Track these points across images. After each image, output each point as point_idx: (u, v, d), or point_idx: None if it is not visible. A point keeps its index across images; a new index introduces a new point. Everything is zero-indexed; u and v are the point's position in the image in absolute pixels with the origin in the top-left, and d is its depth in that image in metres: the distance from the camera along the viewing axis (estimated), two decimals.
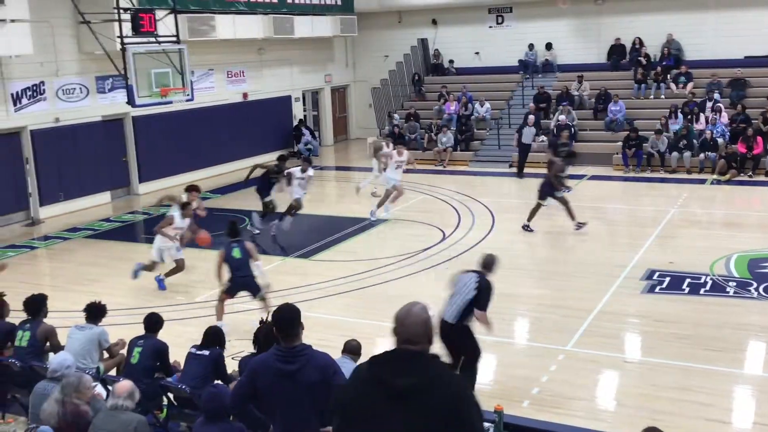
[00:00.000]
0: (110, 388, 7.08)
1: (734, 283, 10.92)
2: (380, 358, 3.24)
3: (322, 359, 4.40)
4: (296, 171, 14.44)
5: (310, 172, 14.60)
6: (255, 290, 9.79)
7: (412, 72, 25.86)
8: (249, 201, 16.21)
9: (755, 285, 10.78)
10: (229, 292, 9.79)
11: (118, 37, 14.37)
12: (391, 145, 16.90)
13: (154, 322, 7.26)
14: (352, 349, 6.74)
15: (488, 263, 7.85)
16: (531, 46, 24.63)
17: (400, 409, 3.09)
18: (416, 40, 26.18)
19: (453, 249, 13.23)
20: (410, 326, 3.25)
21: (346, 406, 3.31)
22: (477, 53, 25.65)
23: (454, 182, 19.51)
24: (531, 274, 12.09)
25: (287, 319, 4.36)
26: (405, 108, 24.66)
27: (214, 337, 6.87)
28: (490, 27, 25.61)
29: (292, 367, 4.30)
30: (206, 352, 6.71)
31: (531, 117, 20.30)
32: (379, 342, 9.53)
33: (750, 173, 18.36)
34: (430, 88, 25.52)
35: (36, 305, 7.50)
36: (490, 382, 8.43)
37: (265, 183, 14.86)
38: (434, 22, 26.18)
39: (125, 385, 5.45)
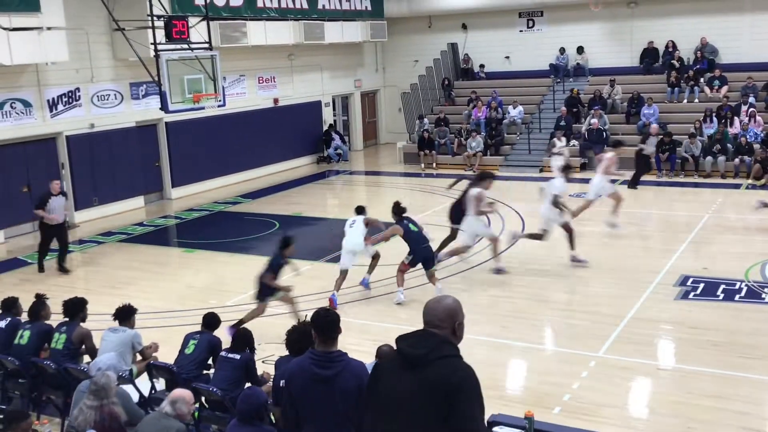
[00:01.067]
0: (154, 384, 7.20)
1: None
2: (404, 335, 3.71)
3: (358, 367, 4.42)
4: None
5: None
6: (432, 262, 10.86)
7: (441, 77, 25.83)
8: (278, 206, 16.29)
9: None
10: (412, 263, 10.81)
11: (152, 44, 14.56)
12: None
13: (211, 320, 7.52)
14: (384, 354, 6.74)
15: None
16: (562, 50, 24.46)
17: (410, 378, 3.53)
18: (446, 44, 26.15)
19: (482, 254, 13.16)
20: (437, 312, 3.66)
21: (376, 375, 3.82)
22: (507, 57, 25.54)
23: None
24: (562, 279, 11.97)
25: (327, 323, 4.38)
26: (435, 113, 24.62)
27: (244, 340, 6.92)
28: (521, 31, 25.50)
29: (329, 373, 4.31)
30: (237, 356, 6.76)
31: (654, 126, 19.54)
32: None
33: None
34: (460, 92, 25.47)
35: (75, 308, 7.62)
36: (521, 388, 8.37)
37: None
38: (464, 26, 26.14)
39: (184, 393, 5.51)
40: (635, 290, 10.98)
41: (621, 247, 13.65)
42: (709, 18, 22.27)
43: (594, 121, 21.20)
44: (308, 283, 11.35)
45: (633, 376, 8.44)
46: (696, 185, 18.55)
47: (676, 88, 21.97)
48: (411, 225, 10.83)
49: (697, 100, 21.53)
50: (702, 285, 11.02)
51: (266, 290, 9.61)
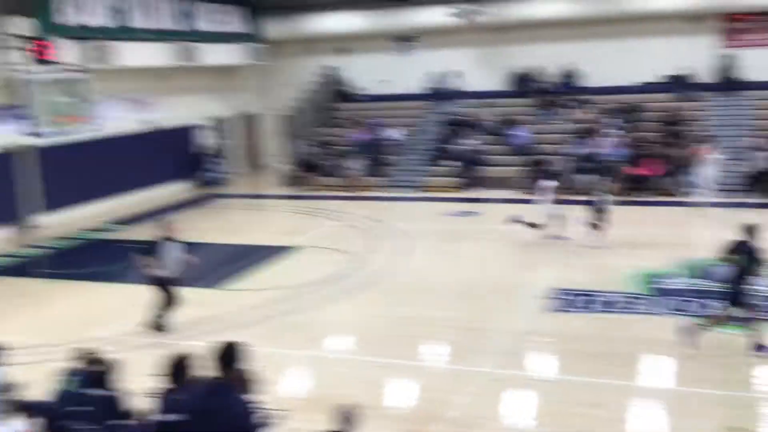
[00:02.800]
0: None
1: (638, 299, 11.35)
2: None
3: (246, 398, 4.34)
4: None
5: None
6: None
7: (322, 100, 25.93)
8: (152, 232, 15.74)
9: (657, 300, 11.23)
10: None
11: (17, 66, 13.79)
12: None
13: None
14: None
15: None
16: (438, 74, 25.16)
17: None
18: (326, 68, 26.30)
19: (367, 274, 13.24)
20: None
21: None
22: (385, 81, 25.96)
23: (366, 208, 19.60)
24: (445, 297, 12.21)
25: (227, 353, 4.30)
26: (316, 136, 24.66)
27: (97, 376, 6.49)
28: (398, 55, 26.03)
29: (217, 403, 4.20)
30: (97, 392, 6.35)
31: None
32: (290, 372, 9.42)
33: (646, 193, 19.23)
34: (341, 115, 25.65)
35: None
36: (407, 407, 8.42)
37: None
38: (343, 50, 26.39)
39: None
40: (515, 304, 11.36)
41: (502, 263, 14.10)
42: (574, 44, 23.55)
43: (470, 142, 21.90)
44: (187, 311, 10.99)
45: (514, 388, 8.67)
46: (566, 202, 19.40)
47: (546, 111, 23.07)
48: None
49: (565, 122, 22.68)
50: (576, 297, 11.53)
51: None
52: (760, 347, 9.09)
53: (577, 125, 22.04)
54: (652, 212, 18.06)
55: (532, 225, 15.13)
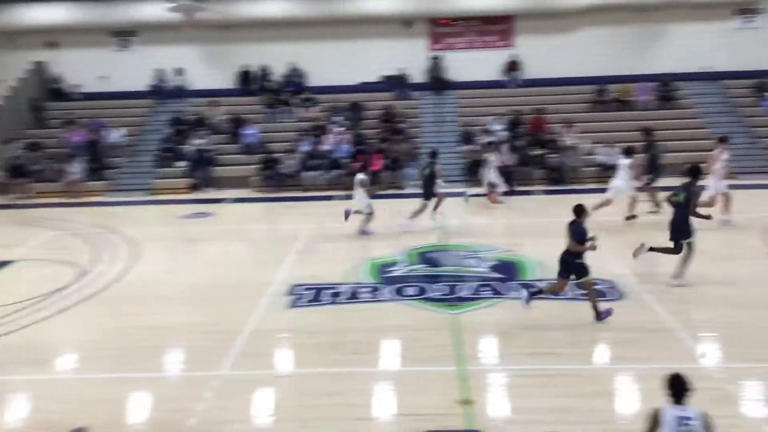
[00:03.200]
0: None
1: (368, 289, 11.95)
2: None
3: None
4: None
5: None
6: None
7: (30, 98, 23.70)
8: None
9: (385, 288, 11.92)
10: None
11: None
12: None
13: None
14: None
15: None
16: (161, 71, 24.25)
17: None
18: (33, 62, 24.07)
19: (91, 286, 12.39)
20: None
21: None
22: (104, 77, 24.45)
23: (90, 214, 18.32)
24: (181, 302, 11.84)
25: None
26: (25, 137, 22.49)
27: None
28: (116, 50, 24.64)
29: None
30: None
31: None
32: (10, 400, 8.57)
33: (376, 188, 20.31)
34: (54, 115, 23.66)
35: None
36: (144, 421, 8.04)
37: None
38: (53, 44, 24.35)
39: None
40: (251, 304, 11.33)
41: (234, 263, 14.00)
42: (297, 43, 24.09)
43: (200, 142, 21.44)
44: None
45: (255, 388, 8.67)
46: (297, 199, 19.88)
47: (272, 110, 23.32)
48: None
49: (292, 120, 23.13)
50: (311, 291, 11.82)
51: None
52: (599, 316, 10.03)
53: (304, 123, 22.60)
54: (376, 206, 19.06)
55: (359, 212, 15.35)
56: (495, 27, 24.13)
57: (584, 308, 10.68)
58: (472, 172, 20.50)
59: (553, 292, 10.37)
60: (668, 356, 8.79)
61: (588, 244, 9.85)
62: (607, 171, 19.78)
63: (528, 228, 16.07)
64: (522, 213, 17.66)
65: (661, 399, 5.64)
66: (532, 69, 23.88)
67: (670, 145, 20.70)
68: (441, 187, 16.12)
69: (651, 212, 15.90)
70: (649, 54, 23.59)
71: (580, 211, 9.99)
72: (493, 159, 18.06)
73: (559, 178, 20.04)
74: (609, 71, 23.24)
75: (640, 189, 16.09)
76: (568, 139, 20.64)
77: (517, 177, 20.16)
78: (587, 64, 23.39)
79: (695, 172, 11.29)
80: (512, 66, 23.86)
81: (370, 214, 15.21)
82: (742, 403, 8.00)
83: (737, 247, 13.55)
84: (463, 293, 11.53)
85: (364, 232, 15.25)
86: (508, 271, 12.63)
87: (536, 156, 20.62)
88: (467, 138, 21.47)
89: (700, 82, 23.12)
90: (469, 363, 9.04)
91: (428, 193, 15.81)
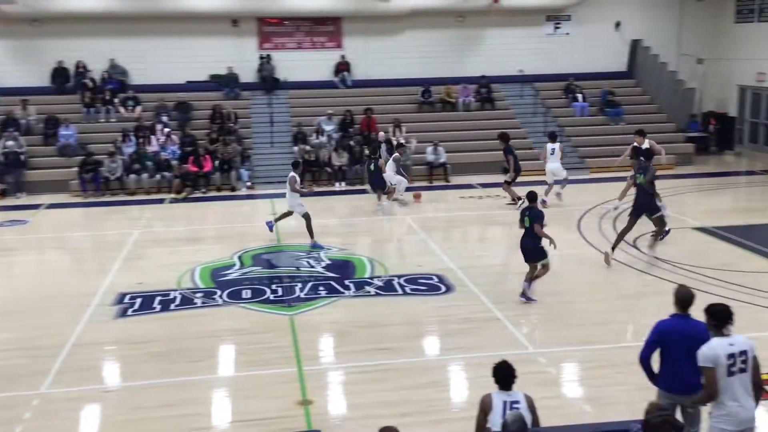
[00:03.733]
0: None
1: (201, 294, 11.61)
2: None
3: None
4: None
5: None
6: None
7: None
8: None
9: (219, 292, 11.64)
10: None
11: None
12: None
13: None
14: None
15: None
16: None
17: None
18: None
19: None
20: None
21: None
22: None
23: None
24: None
25: None
26: None
27: None
28: None
29: None
30: None
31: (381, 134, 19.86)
32: None
33: (203, 190, 19.80)
34: None
35: None
36: None
37: None
38: None
39: None
40: (74, 316, 10.64)
41: (54, 273, 13.12)
42: (117, 40, 22.90)
43: (9, 143, 19.84)
44: None
45: (81, 405, 8.15)
46: (123, 203, 18.93)
47: (92, 109, 22.03)
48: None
49: (113, 120, 21.98)
50: (139, 300, 11.30)
51: None
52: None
53: (127, 124, 21.56)
54: (209, 207, 18.64)
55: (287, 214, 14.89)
56: (324, 28, 24.28)
57: (417, 303, 11.04)
58: (303, 172, 20.50)
59: (533, 278, 10.90)
60: (497, 344, 9.27)
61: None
62: (434, 169, 20.60)
63: (362, 226, 16.35)
64: (355, 211, 17.93)
65: (492, 385, 5.93)
66: (362, 70, 24.29)
67: (490, 144, 21.88)
68: (390, 177, 17.23)
69: (510, 204, 17.05)
70: (469, 57, 24.72)
71: (533, 197, 11.03)
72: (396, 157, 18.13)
73: None
74: (433, 73, 24.10)
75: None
76: (398, 139, 21.19)
77: (350, 176, 20.43)
78: (413, 66, 24.12)
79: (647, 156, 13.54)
80: (342, 67, 24.13)
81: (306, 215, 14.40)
82: (564, 384, 8.61)
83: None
84: (300, 294, 11.52)
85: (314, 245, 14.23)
86: (343, 270, 12.77)
87: (367, 155, 20.99)
88: (299, 138, 21.46)
89: (515, 85, 24.56)
90: (308, 363, 9.04)
91: (375, 185, 17.34)
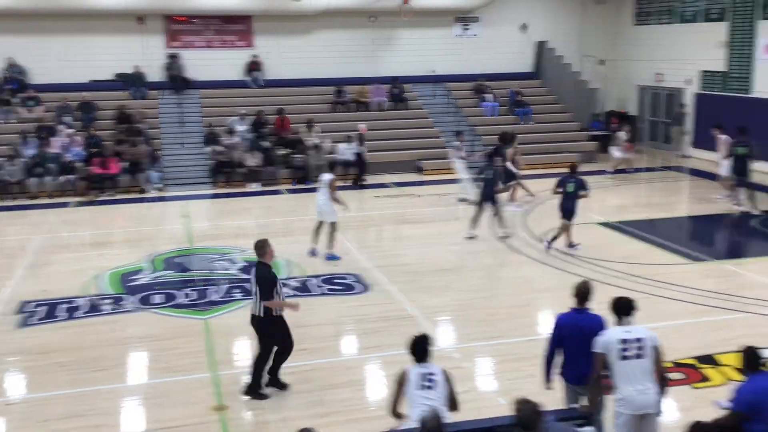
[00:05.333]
0: None
1: (110, 300, 11.25)
2: None
3: None
4: None
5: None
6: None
7: None
8: None
9: (129, 298, 11.31)
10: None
11: None
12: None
13: None
14: None
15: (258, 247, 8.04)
16: None
17: None
18: None
19: None
20: None
21: None
22: None
23: None
24: None
25: None
26: None
27: None
28: None
29: None
30: None
31: None
32: None
33: (110, 193, 19.16)
34: None
35: None
36: None
37: None
38: None
39: None
40: None
41: None
42: (15, 38, 21.90)
43: None
44: None
45: None
46: (24, 207, 18.13)
47: None
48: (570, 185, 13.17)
49: (13, 121, 21.01)
50: (44, 308, 10.86)
51: None
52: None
53: (27, 125, 20.65)
54: (117, 211, 18.07)
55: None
56: (234, 26, 23.90)
57: (334, 303, 11.05)
58: (217, 173, 20.18)
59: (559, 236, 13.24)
60: None
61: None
62: (347, 168, 20.62)
63: (276, 227, 16.20)
64: (270, 212, 17.77)
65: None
66: (274, 70, 24.06)
67: (403, 143, 22.11)
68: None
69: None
70: (382, 57, 24.87)
71: (574, 167, 13.35)
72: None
73: (304, 177, 20.42)
74: (346, 73, 24.13)
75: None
76: (311, 139, 21.12)
77: (263, 177, 20.22)
78: (326, 66, 24.07)
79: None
80: (253, 66, 23.82)
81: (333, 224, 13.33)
82: (478, 378, 8.79)
83: (461, 236, 14.77)
84: (214, 297, 11.33)
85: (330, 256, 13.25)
86: None
87: (281, 155, 20.84)
88: (211, 139, 21.07)
89: (427, 85, 24.87)
90: (223, 368, 8.91)
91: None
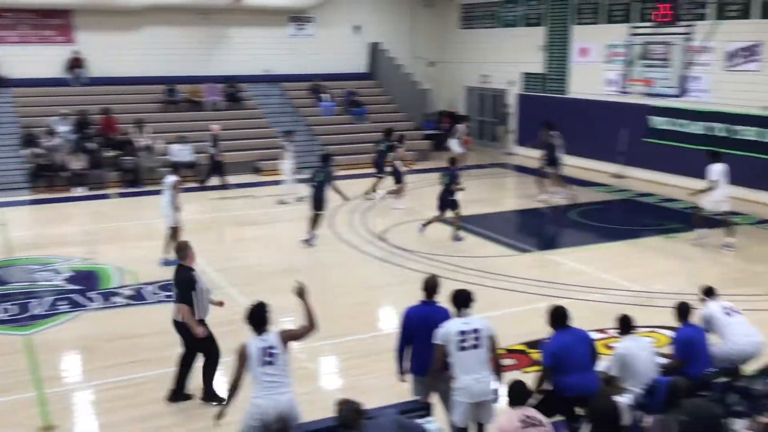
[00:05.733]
0: None
1: None
2: None
3: None
4: None
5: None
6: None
7: None
8: None
9: None
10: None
11: None
12: None
13: None
14: None
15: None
16: None
17: None
18: None
19: None
20: None
21: None
22: None
23: None
24: None
25: None
26: None
27: None
28: None
29: None
30: None
31: None
32: None
33: None
34: None
35: None
36: None
37: None
38: None
39: None
40: None
41: None
42: None
43: None
44: None
45: None
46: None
47: None
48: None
49: None
50: None
51: None
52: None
53: None
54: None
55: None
56: (52, 21, 22.34)
57: (170, 311, 10.65)
58: (37, 177, 18.83)
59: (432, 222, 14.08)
60: None
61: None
62: (180, 170, 19.89)
63: (106, 233, 15.34)
64: (99, 218, 16.80)
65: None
66: (98, 67, 22.75)
67: (240, 144, 21.71)
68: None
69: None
70: (216, 56, 24.26)
71: (453, 160, 14.42)
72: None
73: (134, 180, 19.51)
74: (178, 72, 23.33)
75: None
76: (142, 140, 20.22)
77: (90, 180, 19.09)
78: (155, 63, 23.12)
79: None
80: (75, 63, 22.40)
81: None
82: (322, 377, 8.80)
83: (301, 237, 14.75)
84: (37, 310, 10.55)
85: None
86: (87, 281, 11.91)
87: (109, 158, 19.78)
88: (29, 141, 19.58)
89: (263, 84, 24.59)
90: (49, 385, 8.32)
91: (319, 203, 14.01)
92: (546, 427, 5.43)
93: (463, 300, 6.34)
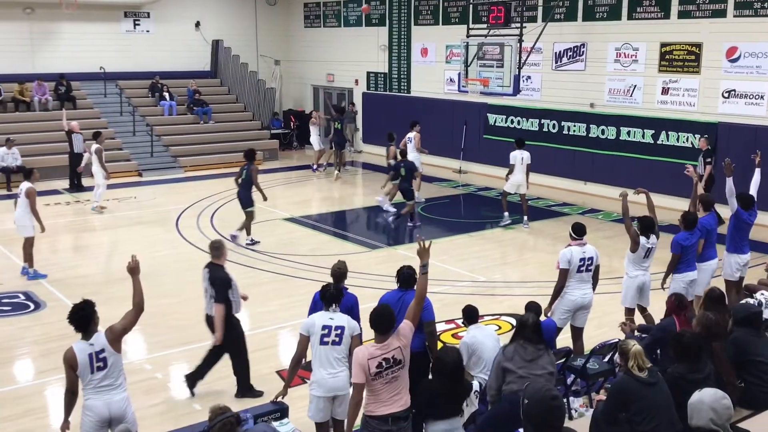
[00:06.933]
0: None
1: None
2: None
3: None
4: None
5: None
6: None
7: None
8: None
9: None
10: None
11: None
12: None
13: None
14: None
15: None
16: None
17: None
18: None
19: None
20: None
21: None
22: None
23: None
24: None
25: None
26: None
27: None
28: None
29: None
30: None
31: None
32: None
33: None
34: None
35: None
36: None
37: None
38: None
39: None
40: None
41: None
42: None
43: None
44: None
45: None
46: None
47: None
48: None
49: None
50: None
51: None
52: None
53: None
54: None
55: None
56: None
57: (1, 326, 9.93)
58: None
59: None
60: None
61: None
62: (11, 174, 18.52)
63: None
64: None
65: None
66: None
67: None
68: None
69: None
70: (44, 53, 22.75)
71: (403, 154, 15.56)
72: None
73: None
74: (2, 70, 21.72)
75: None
76: None
77: None
78: None
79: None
80: None
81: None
82: (172, 388, 8.49)
83: (145, 242, 14.19)
84: None
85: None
86: None
87: None
88: None
89: (98, 82, 23.32)
90: None
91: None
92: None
93: (331, 297, 6.41)
